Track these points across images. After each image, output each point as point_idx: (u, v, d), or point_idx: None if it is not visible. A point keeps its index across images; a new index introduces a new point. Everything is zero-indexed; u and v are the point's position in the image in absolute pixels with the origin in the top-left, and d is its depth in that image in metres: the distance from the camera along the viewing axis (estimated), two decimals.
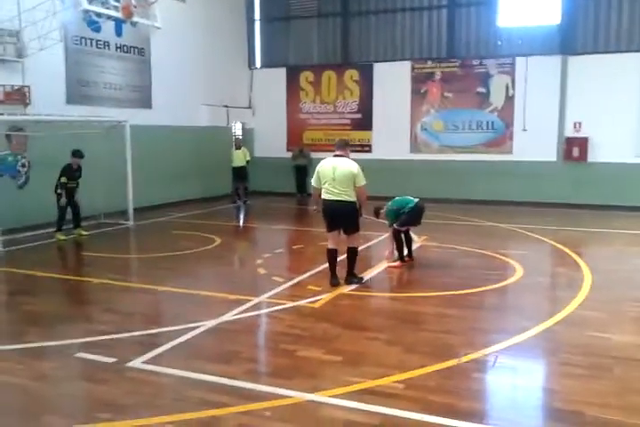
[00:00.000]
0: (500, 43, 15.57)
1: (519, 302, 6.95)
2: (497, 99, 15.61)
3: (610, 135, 14.34)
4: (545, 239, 10.51)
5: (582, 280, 7.60)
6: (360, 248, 7.71)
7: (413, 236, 8.57)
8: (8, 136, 10.77)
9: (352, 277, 7.35)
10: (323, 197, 7.16)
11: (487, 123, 15.76)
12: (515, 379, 4.71)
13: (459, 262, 8.78)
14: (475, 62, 15.77)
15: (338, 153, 7.20)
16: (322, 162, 7.24)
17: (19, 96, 10.77)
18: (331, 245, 7.31)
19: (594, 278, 7.66)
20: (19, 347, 5.38)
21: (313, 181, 7.30)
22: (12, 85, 10.70)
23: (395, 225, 8.30)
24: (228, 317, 6.13)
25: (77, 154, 10.47)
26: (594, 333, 5.64)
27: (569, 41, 14.74)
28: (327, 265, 7.44)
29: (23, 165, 11.16)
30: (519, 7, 15.21)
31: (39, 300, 7.01)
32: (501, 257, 9.05)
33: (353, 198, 7.07)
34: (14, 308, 6.83)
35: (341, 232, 7.32)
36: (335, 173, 6.97)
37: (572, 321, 5.99)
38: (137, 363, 4.90)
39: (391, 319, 6.28)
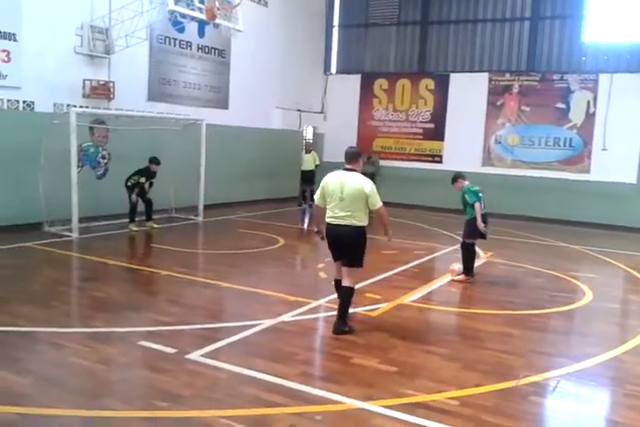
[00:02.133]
0: (584, 58, 15.09)
1: (586, 327, 6.69)
2: (577, 115, 15.12)
3: None
4: (618, 264, 10.08)
5: None
6: (419, 261, 7.50)
7: (479, 251, 8.36)
8: (91, 128, 11.26)
9: (341, 325, 5.84)
10: (327, 219, 5.90)
11: (565, 140, 15.28)
12: (575, 406, 4.53)
13: (525, 282, 8.53)
14: (555, 77, 15.34)
15: (348, 166, 5.89)
16: (328, 176, 5.96)
17: (103, 91, 11.25)
18: (337, 275, 6.13)
19: None
20: (87, 331, 5.62)
21: (316, 199, 6.03)
22: (99, 80, 11.20)
23: (466, 239, 8.19)
24: (287, 317, 6.19)
25: (155, 161, 10.85)
26: None
27: None
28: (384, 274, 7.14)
29: (103, 157, 11.64)
30: (606, 22, 14.69)
31: (108, 287, 7.29)
32: (571, 279, 8.74)
33: (362, 222, 5.81)
34: (84, 293, 7.14)
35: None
36: (344, 192, 5.70)
37: None
38: (196, 355, 5.02)
39: (450, 334, 6.18)
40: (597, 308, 7.32)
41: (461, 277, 8.20)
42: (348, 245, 5.85)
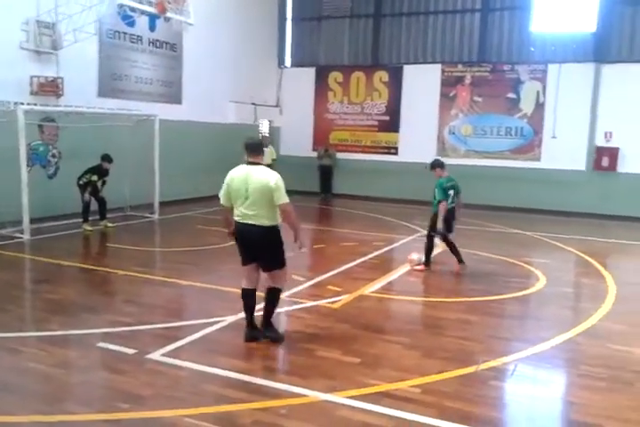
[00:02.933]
0: (532, 49, 15.41)
1: (541, 311, 6.87)
2: (527, 105, 15.46)
3: None
4: (570, 249, 10.39)
5: (606, 292, 7.50)
6: (378, 253, 7.59)
7: (437, 240, 8.48)
8: (40, 127, 10.95)
9: (269, 331, 5.44)
10: (235, 218, 5.32)
11: (516, 129, 15.61)
12: (533, 389, 4.66)
13: (482, 269, 8.70)
14: (506, 68, 15.63)
15: (251, 160, 5.29)
16: (232, 171, 5.36)
17: (52, 88, 10.94)
18: (245, 284, 5.44)
19: (618, 290, 7.55)
20: (42, 334, 5.48)
21: (221, 198, 5.37)
22: (46, 77, 10.89)
23: (432, 231, 8.26)
24: None
25: (107, 158, 10.62)
26: (616, 346, 5.55)
27: (603, 49, 14.53)
28: (344, 267, 7.28)
29: (53, 156, 11.35)
30: (554, 13, 15.03)
31: (63, 288, 7.13)
32: (525, 265, 8.97)
33: (273, 222, 5.21)
34: (38, 296, 6.94)
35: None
36: (249, 189, 5.12)
37: (594, 333, 5.91)
38: (156, 355, 4.96)
39: (411, 323, 6.27)
40: (551, 292, 7.53)
41: (421, 266, 8.32)
42: (260, 248, 5.27)
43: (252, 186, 5.12)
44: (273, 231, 5.26)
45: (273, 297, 5.48)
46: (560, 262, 9.67)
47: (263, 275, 5.50)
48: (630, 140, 14.27)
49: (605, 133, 14.57)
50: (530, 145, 15.49)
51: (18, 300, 6.78)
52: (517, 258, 9.37)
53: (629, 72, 14.20)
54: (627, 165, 14.35)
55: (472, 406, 4.25)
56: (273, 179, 5.13)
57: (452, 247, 8.33)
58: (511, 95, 15.61)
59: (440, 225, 8.06)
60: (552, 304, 7.09)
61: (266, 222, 5.19)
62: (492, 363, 5.02)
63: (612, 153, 14.46)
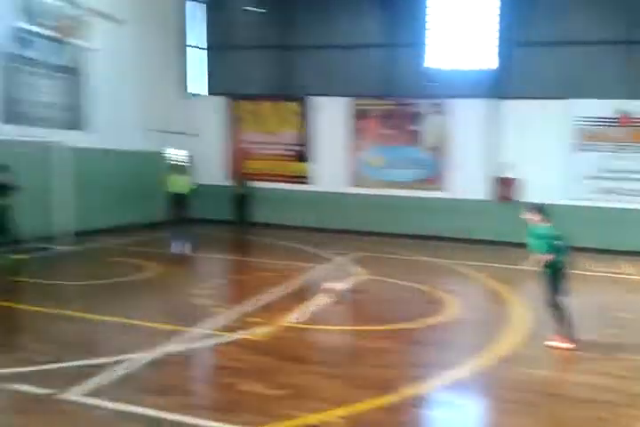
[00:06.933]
0: (428, 83, 16.19)
1: (455, 337, 7.15)
2: (431, 137, 16.22)
3: (540, 177, 15.07)
4: (479, 275, 10.88)
5: (513, 316, 7.91)
6: (293, 281, 7.53)
7: (356, 268, 8.62)
8: None
9: None
10: None
11: (421, 160, 16.32)
12: (450, 414, 4.85)
13: (397, 296, 8.95)
14: (409, 101, 16.37)
15: None
16: None
17: None
18: None
19: (524, 315, 7.99)
20: None
21: None
22: None
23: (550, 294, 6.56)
24: (168, 348, 6.01)
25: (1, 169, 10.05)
26: (525, 369, 5.87)
27: (501, 85, 15.56)
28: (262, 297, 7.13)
29: None
30: (449, 50, 16.03)
31: None
32: (439, 291, 9.29)
33: None
34: None
35: None
36: None
37: (506, 357, 6.20)
38: (71, 395, 4.75)
39: (332, 353, 6.36)
40: (463, 318, 7.86)
41: (565, 343, 6.51)
42: None
43: None
44: None
45: None
46: (468, 288, 10.11)
47: None
48: (529, 171, 15.22)
49: (506, 165, 15.49)
50: (435, 176, 16.20)
51: None
52: (431, 285, 9.71)
53: (526, 107, 15.24)
54: (526, 195, 15.24)
55: None
56: None
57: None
58: (416, 128, 16.34)
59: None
60: (465, 330, 7.40)
61: None
62: (412, 390, 5.18)
63: (512, 183, 15.40)
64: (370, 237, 9.51)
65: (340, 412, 4.65)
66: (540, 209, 6.86)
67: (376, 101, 16.62)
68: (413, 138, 16.32)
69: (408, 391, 5.13)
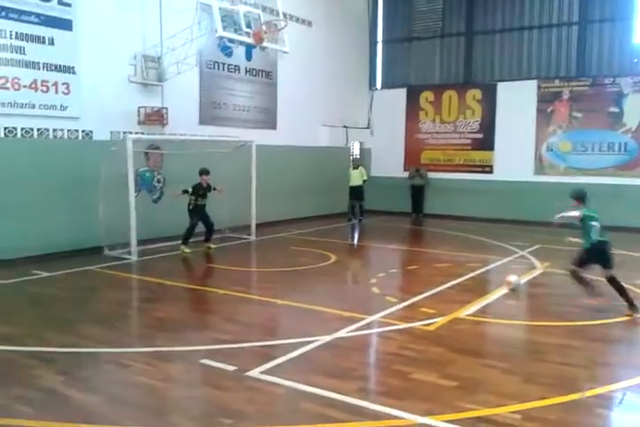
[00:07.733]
0: (635, 60, 14.72)
1: None
2: (631, 119, 14.72)
3: None
4: None
5: None
6: (472, 274, 7.33)
7: (535, 261, 8.17)
8: (146, 154, 11.66)
9: None
10: None
11: (620, 144, 14.88)
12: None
13: (580, 291, 8.29)
14: (607, 81, 15.00)
15: None
16: None
17: (157, 117, 11.66)
18: None
19: None
20: (149, 350, 5.78)
21: None
22: (152, 107, 11.62)
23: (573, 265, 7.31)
24: (343, 333, 6.22)
25: (205, 171, 11.10)
26: None
27: None
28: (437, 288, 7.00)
29: (158, 181, 12.01)
30: None
31: (167, 307, 7.48)
32: (635, 289, 8.45)
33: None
34: (145, 313, 7.37)
35: None
36: None
37: None
38: (255, 373, 5.11)
39: (509, 348, 6.08)
40: None
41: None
42: None
43: None
44: None
45: None
46: None
47: None
48: None
49: None
50: (635, 161, 14.69)
51: (126, 317, 7.23)
52: (626, 280, 8.83)
53: None
54: None
55: None
56: None
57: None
58: (613, 109, 14.93)
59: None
60: None
61: None
62: (598, 390, 4.78)
63: None
64: (550, 229, 8.83)
65: (516, 407, 4.44)
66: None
67: (568, 83, 15.50)
68: (611, 120, 14.96)
69: (593, 392, 4.74)
